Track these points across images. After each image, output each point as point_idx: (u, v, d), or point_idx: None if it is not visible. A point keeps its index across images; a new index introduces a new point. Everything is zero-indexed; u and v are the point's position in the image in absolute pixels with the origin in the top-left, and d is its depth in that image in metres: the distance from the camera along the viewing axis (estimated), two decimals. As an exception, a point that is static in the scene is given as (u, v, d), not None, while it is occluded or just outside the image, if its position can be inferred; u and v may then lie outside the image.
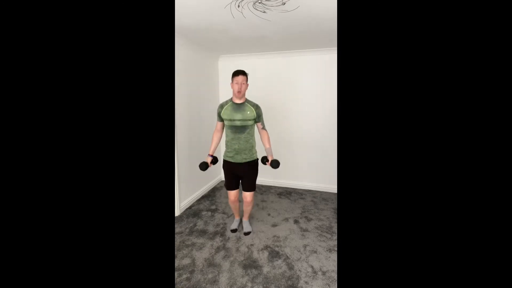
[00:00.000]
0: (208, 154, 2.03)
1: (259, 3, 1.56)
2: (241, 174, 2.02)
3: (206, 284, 1.55)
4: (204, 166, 1.92)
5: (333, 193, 3.06)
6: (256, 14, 1.76)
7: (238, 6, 1.60)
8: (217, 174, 3.45)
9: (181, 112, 2.50)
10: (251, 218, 2.41)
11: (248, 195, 2.06)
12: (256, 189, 3.15)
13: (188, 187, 2.70)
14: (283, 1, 1.53)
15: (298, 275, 1.63)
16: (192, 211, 2.56)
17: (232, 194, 2.10)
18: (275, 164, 1.89)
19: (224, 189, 3.18)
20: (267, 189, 3.21)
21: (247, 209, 2.17)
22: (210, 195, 2.99)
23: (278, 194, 3.05)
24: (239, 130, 1.94)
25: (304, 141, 3.14)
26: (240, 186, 2.08)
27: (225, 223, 2.31)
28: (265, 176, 3.33)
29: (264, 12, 1.71)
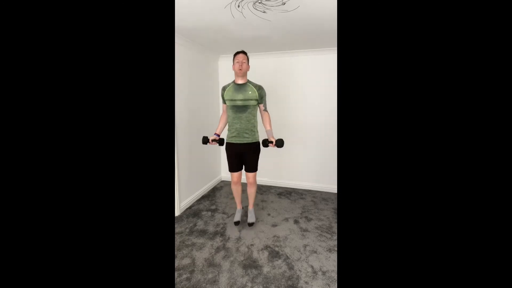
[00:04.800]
0: (215, 133, 2.08)
1: (259, 3, 1.56)
2: (243, 155, 2.05)
3: (206, 284, 1.54)
4: (204, 139, 2.01)
5: (333, 193, 3.06)
6: (256, 14, 1.76)
7: (238, 6, 1.60)
8: (217, 174, 3.45)
9: (181, 112, 2.50)
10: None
11: (251, 176, 2.11)
12: (257, 189, 3.15)
13: (188, 187, 2.70)
14: (283, 1, 1.53)
15: (298, 275, 1.63)
16: (192, 211, 2.56)
17: (235, 175, 2.14)
18: (280, 143, 1.87)
19: (224, 189, 3.18)
20: (267, 189, 3.21)
21: (251, 192, 2.21)
22: (210, 195, 2.99)
23: (278, 194, 3.05)
24: (240, 109, 1.96)
25: (304, 141, 3.14)
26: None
27: (225, 223, 2.31)
28: (265, 176, 3.33)
29: (264, 12, 1.71)
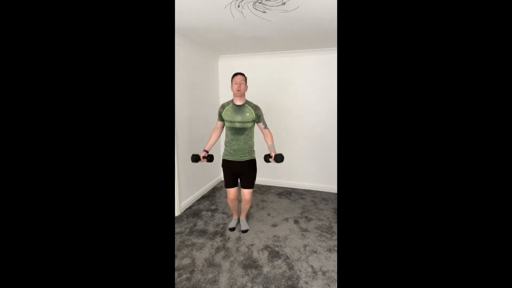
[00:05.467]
0: (204, 150, 2.03)
1: (259, 3, 1.56)
2: (240, 171, 2.05)
3: (206, 284, 1.55)
4: (194, 158, 1.93)
5: (333, 193, 3.06)
6: (256, 14, 1.76)
7: (238, 6, 1.60)
8: (217, 174, 3.45)
9: (181, 112, 2.50)
10: (250, 218, 2.41)
11: (246, 193, 2.08)
12: (256, 189, 3.16)
13: (188, 187, 2.70)
14: (283, 1, 1.53)
15: (298, 275, 1.63)
16: (192, 211, 2.56)
17: (231, 192, 2.11)
18: (279, 158, 1.86)
19: (224, 189, 3.18)
20: (267, 189, 3.21)
21: (245, 207, 2.20)
22: (210, 195, 2.99)
23: (278, 194, 3.05)
24: (238, 131, 1.98)
25: (304, 141, 3.14)
26: (240, 187, 2.10)
27: (225, 223, 2.31)
28: (265, 176, 3.33)
29: (264, 12, 1.71)
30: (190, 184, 2.72)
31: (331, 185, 3.10)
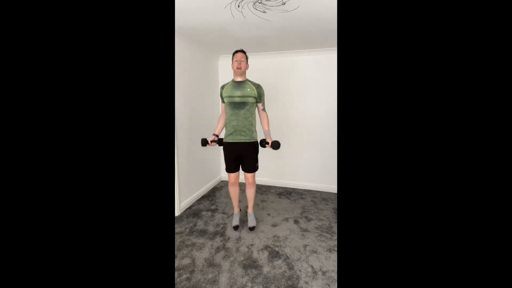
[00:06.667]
0: (213, 134, 2.05)
1: (259, 3, 1.56)
2: (241, 154, 2.01)
3: (206, 284, 1.55)
4: (203, 142, 1.99)
5: (333, 193, 3.06)
6: (256, 14, 1.76)
7: (238, 6, 1.60)
8: (217, 174, 3.45)
9: (181, 112, 2.50)
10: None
11: (250, 176, 2.05)
12: (256, 189, 3.15)
13: (188, 187, 2.70)
14: (283, 1, 1.53)
15: (298, 275, 1.63)
16: (192, 211, 2.56)
17: (232, 176, 2.09)
18: (276, 144, 1.85)
19: (224, 189, 3.18)
20: (267, 189, 3.21)
21: (250, 193, 2.16)
22: (210, 195, 2.99)
23: (278, 194, 3.05)
24: (237, 106, 1.93)
25: (304, 141, 3.14)
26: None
27: (225, 223, 2.31)
28: (265, 176, 3.33)
29: (264, 12, 1.71)
30: (190, 184, 2.72)
31: (331, 185, 3.10)
